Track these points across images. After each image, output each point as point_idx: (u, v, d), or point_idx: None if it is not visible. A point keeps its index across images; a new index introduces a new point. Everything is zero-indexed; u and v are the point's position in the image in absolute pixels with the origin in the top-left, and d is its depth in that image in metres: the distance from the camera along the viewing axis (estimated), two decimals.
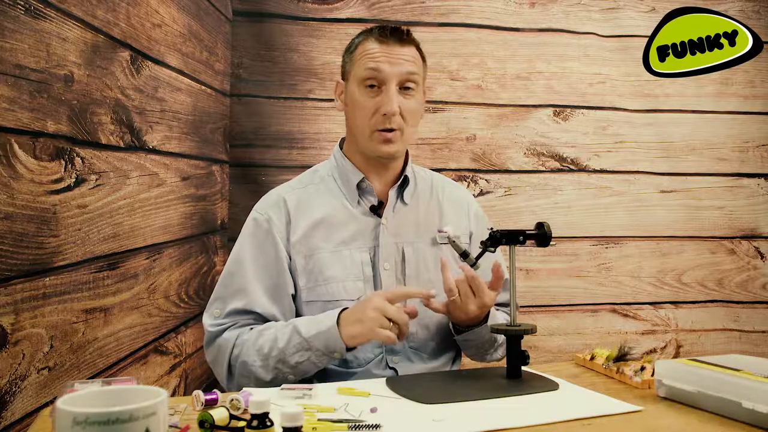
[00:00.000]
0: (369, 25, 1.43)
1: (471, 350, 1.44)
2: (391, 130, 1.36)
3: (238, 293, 1.36)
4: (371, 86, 1.36)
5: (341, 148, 1.47)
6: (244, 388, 1.12)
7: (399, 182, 1.44)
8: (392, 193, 1.43)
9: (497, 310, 1.51)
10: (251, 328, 1.33)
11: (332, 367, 1.35)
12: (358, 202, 1.42)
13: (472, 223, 1.51)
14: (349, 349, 1.26)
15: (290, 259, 1.38)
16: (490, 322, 1.34)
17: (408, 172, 1.45)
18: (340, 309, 1.27)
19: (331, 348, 1.25)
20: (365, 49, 1.38)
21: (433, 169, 1.61)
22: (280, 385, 1.21)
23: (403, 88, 1.37)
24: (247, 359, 1.29)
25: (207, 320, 1.38)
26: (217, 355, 1.35)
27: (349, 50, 1.42)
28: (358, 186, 1.42)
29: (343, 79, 1.45)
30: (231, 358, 1.32)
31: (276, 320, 1.35)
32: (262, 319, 1.35)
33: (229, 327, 1.35)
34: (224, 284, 1.38)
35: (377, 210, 1.41)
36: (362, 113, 1.37)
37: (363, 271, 1.37)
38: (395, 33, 1.38)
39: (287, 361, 1.26)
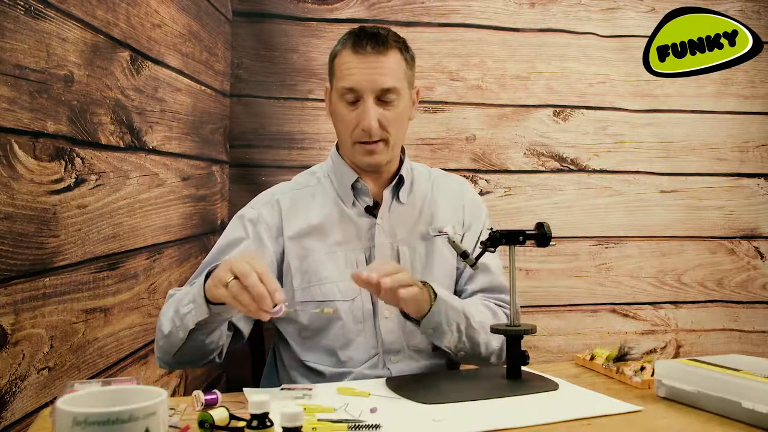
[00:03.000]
0: (371, 26, 1.40)
1: (448, 339, 1.30)
2: (373, 142, 1.35)
3: (204, 268, 1.32)
4: (350, 101, 1.34)
5: (338, 149, 1.47)
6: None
7: (394, 182, 1.43)
8: (387, 193, 1.42)
9: (487, 299, 1.44)
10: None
11: (327, 367, 1.35)
12: (354, 203, 1.41)
13: (466, 213, 1.49)
14: (212, 303, 1.14)
15: (282, 260, 1.38)
16: (446, 297, 1.28)
17: (404, 170, 1.44)
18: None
19: (201, 295, 1.15)
20: (342, 61, 1.35)
21: None
22: (175, 345, 1.23)
23: (382, 100, 1.34)
24: (162, 310, 1.28)
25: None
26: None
27: (331, 57, 1.41)
28: (353, 187, 1.41)
29: (330, 84, 1.44)
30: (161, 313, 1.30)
31: None
32: None
33: None
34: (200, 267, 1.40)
35: (372, 210, 1.41)
36: (343, 126, 1.37)
37: None
38: (372, 41, 1.33)
39: (180, 310, 1.21)
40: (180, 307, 1.21)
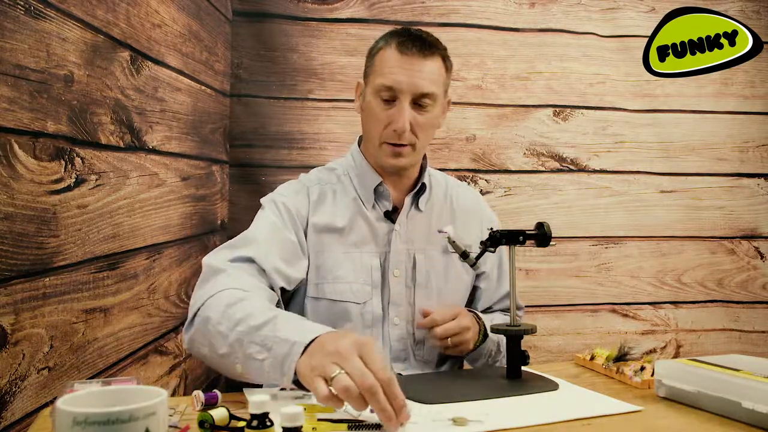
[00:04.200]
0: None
1: (480, 363, 1.45)
2: (401, 145, 1.34)
3: (251, 243, 1.26)
4: (386, 99, 1.33)
5: (359, 147, 1.46)
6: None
7: (416, 189, 1.43)
8: (408, 199, 1.42)
9: (504, 314, 1.53)
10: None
11: None
12: (374, 205, 1.41)
13: (485, 230, 1.50)
14: (298, 384, 0.98)
15: (306, 248, 1.36)
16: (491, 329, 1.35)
17: (425, 178, 1.44)
18: (332, 330, 0.99)
19: (284, 366, 0.97)
20: (384, 58, 1.34)
21: None
22: (226, 369, 1.07)
23: (418, 104, 1.33)
24: (212, 315, 1.09)
25: (208, 258, 1.24)
26: (197, 294, 1.18)
27: (371, 53, 1.39)
28: (375, 189, 1.41)
29: (364, 79, 1.42)
30: (202, 305, 1.13)
31: (280, 280, 1.26)
32: (265, 276, 1.24)
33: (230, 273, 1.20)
34: (237, 238, 1.30)
35: (391, 215, 1.41)
36: (374, 124, 1.35)
37: (372, 276, 1.36)
38: (418, 43, 1.32)
39: (245, 346, 1.03)
40: (245, 342, 1.02)
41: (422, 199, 1.44)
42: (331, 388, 0.87)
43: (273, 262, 1.26)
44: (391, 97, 1.32)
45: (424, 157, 1.46)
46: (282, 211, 1.35)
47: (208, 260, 1.24)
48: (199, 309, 1.14)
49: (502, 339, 1.39)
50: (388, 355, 1.36)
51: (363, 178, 1.41)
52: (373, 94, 1.35)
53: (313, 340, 0.96)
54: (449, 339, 1.31)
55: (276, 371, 0.99)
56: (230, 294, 1.13)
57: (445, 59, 1.38)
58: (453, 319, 1.32)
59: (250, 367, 1.03)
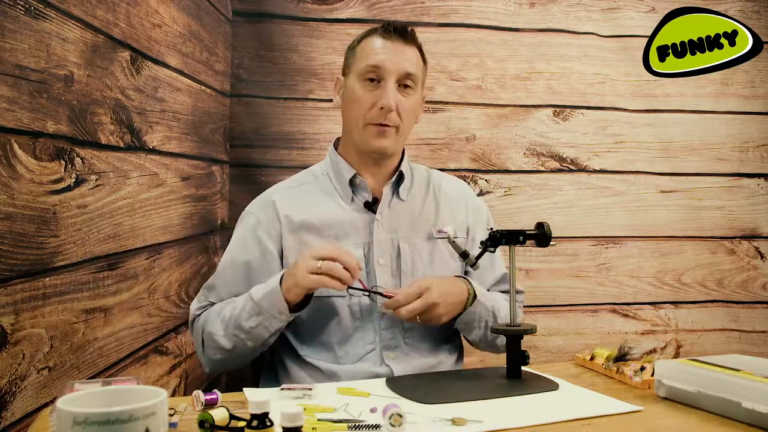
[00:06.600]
0: (371, 26, 1.44)
1: (475, 334, 1.41)
2: (386, 126, 1.37)
3: (212, 289, 1.43)
4: (371, 80, 1.37)
5: (336, 148, 1.49)
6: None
7: (395, 178, 1.44)
8: (387, 188, 1.44)
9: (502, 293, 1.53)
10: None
11: (324, 362, 1.35)
12: (352, 198, 1.42)
13: (470, 217, 1.51)
14: (294, 309, 1.27)
15: (282, 257, 1.40)
16: (482, 299, 1.38)
17: (404, 168, 1.46)
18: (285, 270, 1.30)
19: (277, 307, 1.26)
20: (369, 44, 1.40)
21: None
22: (243, 354, 1.33)
23: (402, 86, 1.38)
24: (212, 329, 1.34)
25: (193, 305, 1.44)
26: (195, 333, 1.41)
27: (352, 46, 1.44)
28: (351, 182, 1.42)
29: (343, 75, 1.46)
30: (203, 332, 1.37)
31: None
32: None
33: (207, 308, 1.42)
34: (214, 276, 1.44)
35: (371, 206, 1.42)
36: (359, 106, 1.38)
37: None
38: (399, 31, 1.40)
39: (242, 326, 1.29)
40: (242, 323, 1.29)
41: (403, 188, 1.45)
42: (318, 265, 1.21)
43: (231, 294, 1.40)
44: (377, 77, 1.37)
45: (403, 151, 1.49)
46: (247, 229, 1.44)
47: (192, 308, 1.44)
48: (201, 334, 1.37)
49: (499, 306, 1.42)
50: (379, 344, 1.37)
51: (338, 173, 1.44)
52: (358, 78, 1.39)
53: (281, 278, 1.27)
54: (417, 317, 1.31)
55: (274, 320, 1.27)
56: (216, 307, 1.38)
57: (422, 52, 1.45)
58: (418, 298, 1.29)
59: (255, 335, 1.29)
